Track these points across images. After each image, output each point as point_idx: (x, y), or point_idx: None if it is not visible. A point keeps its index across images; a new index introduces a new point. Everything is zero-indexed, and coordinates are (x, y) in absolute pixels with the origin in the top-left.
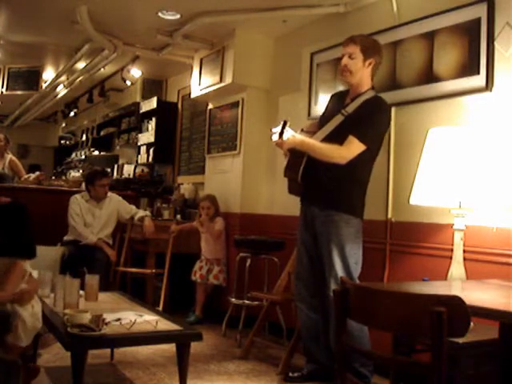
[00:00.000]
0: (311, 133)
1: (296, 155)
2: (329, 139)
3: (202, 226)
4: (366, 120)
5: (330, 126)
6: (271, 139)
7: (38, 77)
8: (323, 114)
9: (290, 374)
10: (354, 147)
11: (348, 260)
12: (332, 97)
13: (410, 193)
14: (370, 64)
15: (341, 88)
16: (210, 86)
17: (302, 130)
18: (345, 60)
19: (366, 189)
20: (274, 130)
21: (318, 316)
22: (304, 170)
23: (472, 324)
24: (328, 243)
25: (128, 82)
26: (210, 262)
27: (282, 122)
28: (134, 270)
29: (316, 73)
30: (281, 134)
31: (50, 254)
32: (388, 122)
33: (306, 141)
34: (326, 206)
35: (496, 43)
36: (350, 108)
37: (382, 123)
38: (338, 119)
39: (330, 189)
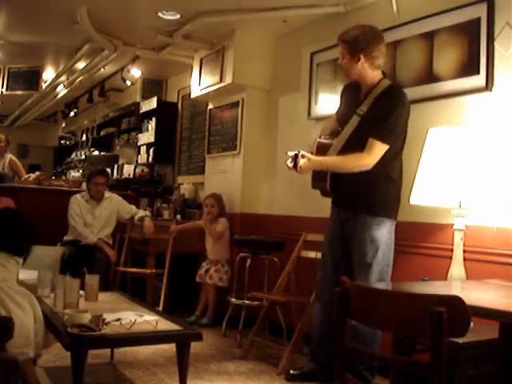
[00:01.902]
0: (330, 138)
1: None
2: (349, 145)
3: (206, 225)
4: (383, 119)
5: (347, 130)
6: (286, 164)
7: (38, 77)
8: (339, 108)
9: (291, 372)
10: (375, 151)
11: (381, 263)
12: (345, 88)
13: (410, 193)
14: (358, 60)
15: (342, 87)
16: (209, 86)
17: (320, 137)
18: (339, 60)
19: (401, 184)
20: (289, 153)
21: (331, 319)
22: (331, 177)
23: (472, 324)
24: (361, 247)
25: (128, 82)
26: (212, 262)
27: (293, 155)
28: (134, 269)
29: (316, 73)
30: (295, 164)
31: (49, 254)
32: (407, 113)
33: (323, 161)
34: (359, 211)
35: (496, 43)
36: (365, 106)
37: (401, 117)
38: (354, 121)
39: (361, 192)
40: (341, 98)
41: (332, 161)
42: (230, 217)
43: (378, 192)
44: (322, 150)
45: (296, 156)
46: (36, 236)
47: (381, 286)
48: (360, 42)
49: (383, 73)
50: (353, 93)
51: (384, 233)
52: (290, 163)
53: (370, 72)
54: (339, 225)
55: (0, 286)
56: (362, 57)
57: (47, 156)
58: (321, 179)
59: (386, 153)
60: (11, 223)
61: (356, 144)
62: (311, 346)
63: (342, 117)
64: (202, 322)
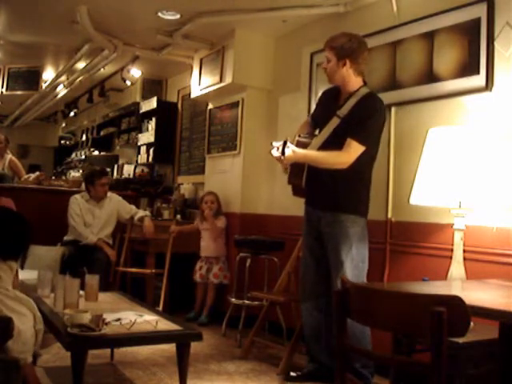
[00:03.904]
0: (309, 137)
1: (298, 162)
2: (327, 144)
3: (203, 223)
4: (362, 121)
5: (326, 130)
6: (270, 153)
7: (38, 77)
8: (315, 110)
9: (291, 374)
10: (353, 151)
11: (356, 259)
12: (323, 93)
13: (410, 193)
14: (344, 65)
15: None
16: (209, 86)
17: (300, 136)
18: (324, 64)
19: (370, 187)
20: (274, 144)
21: (320, 316)
22: (307, 175)
23: (472, 324)
24: (335, 244)
25: (128, 82)
26: (210, 261)
27: (282, 142)
28: (134, 270)
29: (316, 73)
30: (282, 152)
31: (49, 254)
32: (383, 119)
33: (307, 154)
34: (333, 209)
35: (496, 43)
36: (345, 109)
37: (378, 122)
38: (333, 123)
39: (335, 191)
40: (318, 102)
41: (314, 155)
42: (230, 217)
43: (351, 192)
44: (301, 147)
45: (284, 143)
46: (32, 236)
47: (374, 285)
48: (347, 48)
49: (364, 81)
50: (331, 98)
51: (358, 230)
52: (275, 152)
53: (353, 78)
54: (314, 223)
55: None
56: (348, 62)
57: (47, 156)
58: (297, 175)
59: (361, 157)
60: (2, 224)
61: (334, 144)
62: (306, 347)
63: (319, 119)
64: (201, 321)
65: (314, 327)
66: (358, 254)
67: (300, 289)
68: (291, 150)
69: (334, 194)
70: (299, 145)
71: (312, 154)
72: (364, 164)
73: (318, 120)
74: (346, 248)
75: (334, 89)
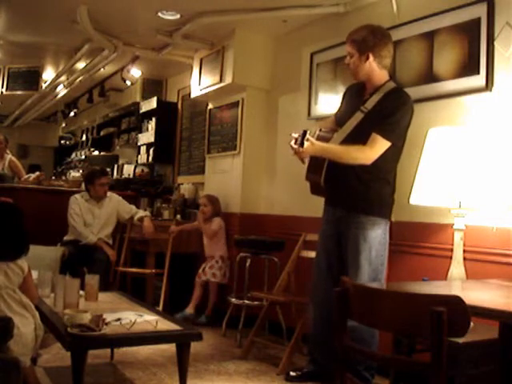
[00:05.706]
0: (330, 132)
1: (317, 157)
2: (350, 139)
3: (200, 224)
4: (388, 115)
5: (350, 124)
6: (290, 144)
7: (38, 77)
8: (339, 108)
9: (291, 373)
10: (378, 145)
11: (374, 263)
12: (348, 89)
13: (410, 193)
14: (367, 59)
15: (342, 86)
16: (209, 86)
17: (321, 130)
18: (346, 59)
19: (395, 186)
20: (293, 135)
21: (328, 319)
22: (327, 172)
23: (472, 324)
24: (354, 246)
25: (128, 82)
26: (209, 260)
27: (301, 132)
28: (134, 270)
29: (316, 73)
30: (301, 143)
31: (49, 254)
32: (410, 115)
33: (326, 147)
34: (353, 209)
35: (496, 43)
36: (369, 104)
37: (405, 117)
38: (357, 117)
39: (356, 190)
40: (342, 99)
41: (335, 149)
42: (230, 217)
43: (373, 192)
44: (321, 142)
45: (304, 134)
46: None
47: (374, 285)
48: (369, 41)
49: (389, 75)
50: (355, 94)
51: (378, 233)
52: (294, 144)
53: (378, 71)
54: (333, 223)
55: (0, 293)
56: (370, 56)
57: (47, 156)
58: (316, 171)
59: (385, 154)
60: (8, 221)
61: (356, 140)
62: (309, 347)
63: (343, 116)
64: (200, 320)
65: (320, 329)
66: (377, 257)
67: (311, 290)
68: (310, 142)
69: (355, 194)
70: (319, 139)
71: (332, 148)
72: (388, 162)
73: (341, 117)
74: (365, 251)
75: (359, 84)
